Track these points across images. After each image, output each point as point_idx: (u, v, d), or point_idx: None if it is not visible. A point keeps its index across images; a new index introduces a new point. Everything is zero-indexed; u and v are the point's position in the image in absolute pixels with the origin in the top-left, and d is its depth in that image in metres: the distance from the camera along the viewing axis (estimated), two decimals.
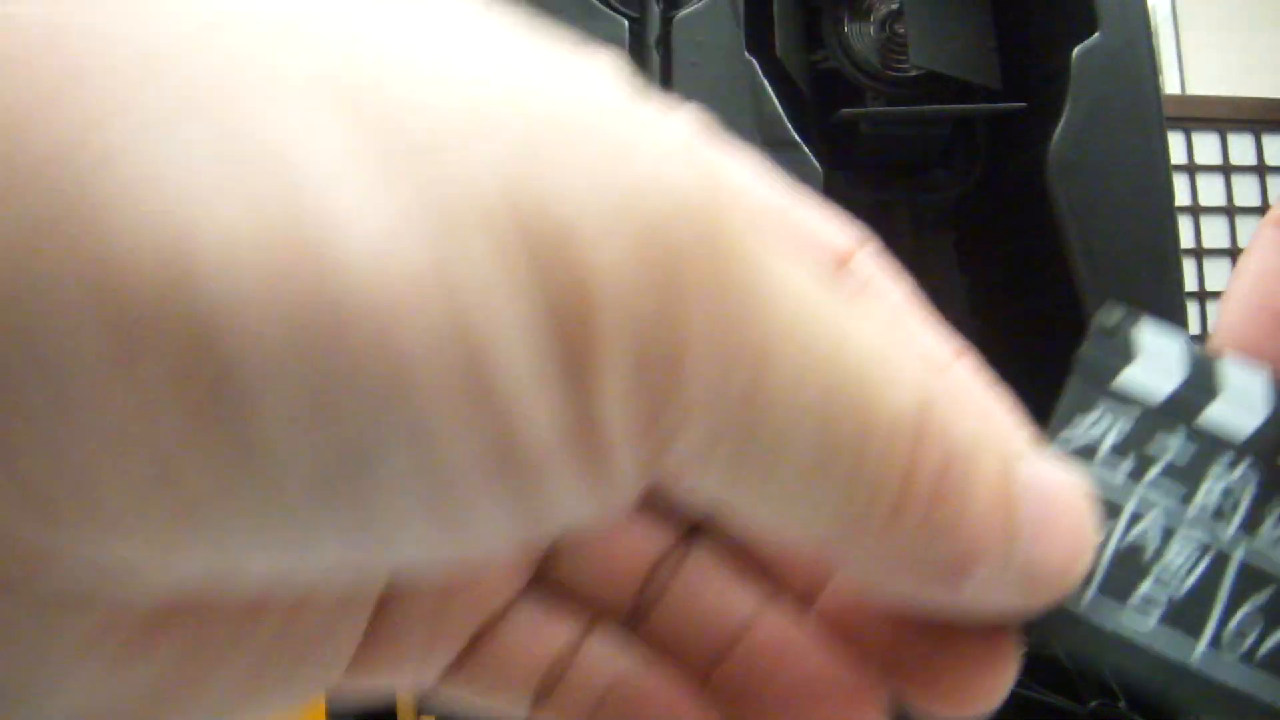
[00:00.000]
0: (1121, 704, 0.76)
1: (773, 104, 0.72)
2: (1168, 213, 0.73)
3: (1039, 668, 0.83)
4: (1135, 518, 0.17)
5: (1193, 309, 2.05)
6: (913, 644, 0.17)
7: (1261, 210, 2.05)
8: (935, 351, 0.18)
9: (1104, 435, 0.18)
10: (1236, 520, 0.17)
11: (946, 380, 0.15)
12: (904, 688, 0.17)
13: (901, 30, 0.73)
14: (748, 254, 0.10)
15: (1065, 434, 0.18)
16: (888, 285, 0.19)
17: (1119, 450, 0.18)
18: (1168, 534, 0.17)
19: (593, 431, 0.10)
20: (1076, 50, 0.69)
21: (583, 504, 0.11)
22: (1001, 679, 0.16)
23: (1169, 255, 0.72)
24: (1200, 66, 2.05)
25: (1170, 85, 2.04)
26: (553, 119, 0.10)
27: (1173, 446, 0.18)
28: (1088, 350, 0.19)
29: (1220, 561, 0.17)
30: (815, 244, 0.18)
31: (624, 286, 0.09)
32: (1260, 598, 0.17)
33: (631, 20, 0.77)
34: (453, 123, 0.09)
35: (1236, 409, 0.18)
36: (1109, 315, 0.19)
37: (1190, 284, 2.02)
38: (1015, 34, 0.76)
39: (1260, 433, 0.18)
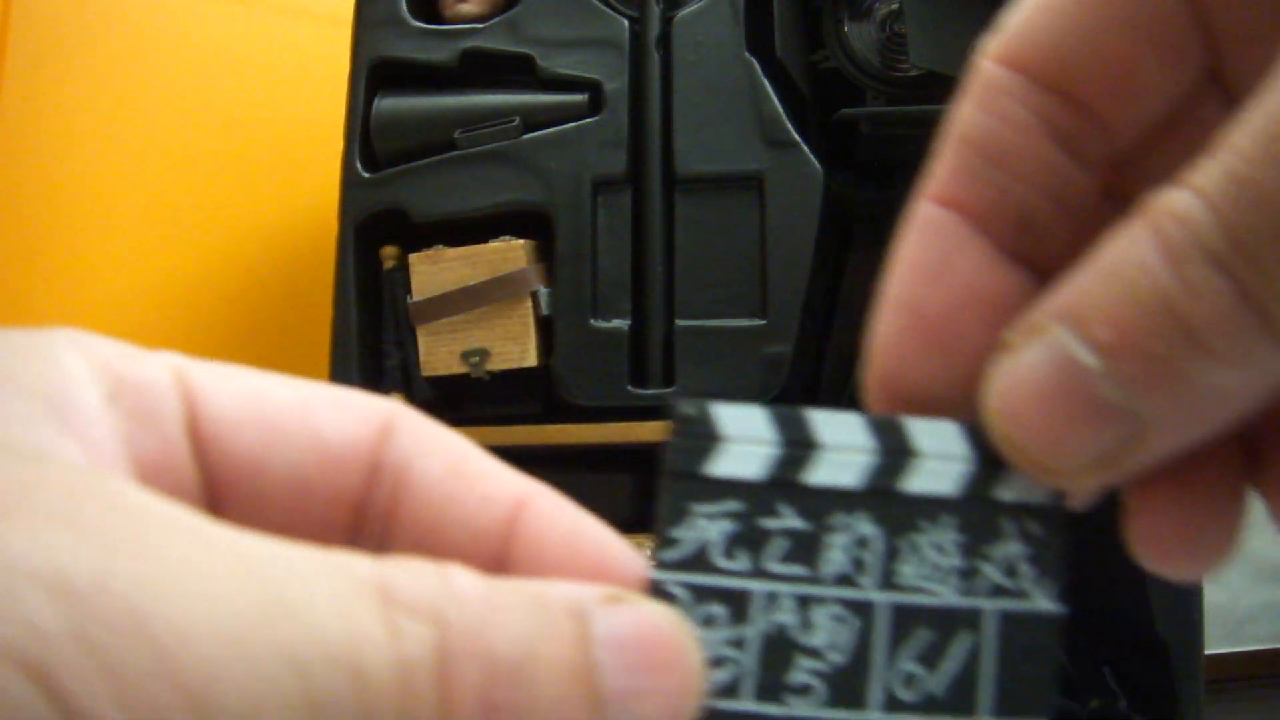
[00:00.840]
0: (1121, 704, 0.76)
1: (773, 104, 0.72)
2: None
3: None
4: (770, 604, 0.17)
5: None
6: None
7: None
8: (491, 513, 0.18)
9: (714, 530, 0.17)
10: (874, 571, 0.17)
11: (475, 600, 0.14)
12: None
13: (901, 30, 0.73)
14: None
15: (672, 543, 0.17)
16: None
17: (733, 539, 0.17)
18: (805, 608, 0.17)
19: None
20: None
21: None
22: None
23: None
24: None
25: None
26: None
27: (786, 518, 0.17)
28: (673, 447, 0.17)
29: (868, 618, 0.17)
30: None
31: None
32: (919, 639, 0.17)
33: (631, 20, 0.77)
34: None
35: (838, 461, 0.17)
36: (685, 407, 0.17)
37: None
38: None
39: (872, 475, 0.17)
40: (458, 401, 0.76)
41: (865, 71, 0.74)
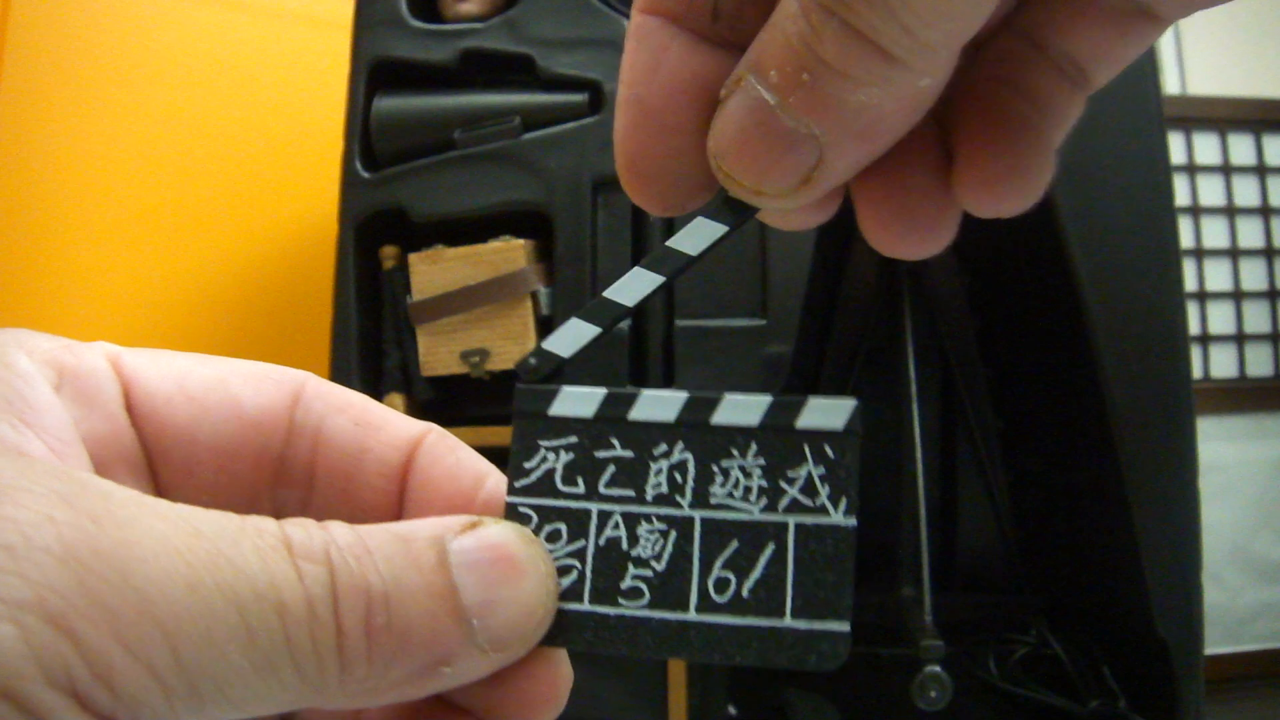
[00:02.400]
0: (1121, 704, 0.76)
1: None
2: (1168, 213, 0.73)
3: (1039, 668, 0.83)
4: (602, 521, 0.20)
5: (1193, 309, 2.06)
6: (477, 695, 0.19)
7: (1262, 210, 2.06)
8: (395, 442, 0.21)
9: (557, 460, 0.20)
10: (688, 492, 0.20)
11: (352, 544, 0.17)
12: None
13: None
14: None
15: (523, 475, 0.20)
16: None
17: (572, 467, 0.20)
18: (632, 525, 0.20)
19: None
20: None
21: None
22: (558, 689, 0.20)
23: (1169, 255, 0.72)
24: (1200, 66, 2.05)
25: (1170, 85, 2.04)
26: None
27: (616, 448, 0.20)
28: (521, 391, 0.20)
29: (685, 532, 0.19)
30: None
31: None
32: (728, 549, 0.19)
33: None
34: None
35: (657, 400, 0.20)
36: (528, 357, 0.21)
37: (1190, 284, 2.02)
38: None
39: (685, 409, 0.20)
40: (458, 401, 0.76)
41: None
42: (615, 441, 0.20)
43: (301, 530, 0.17)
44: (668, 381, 0.71)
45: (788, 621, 0.19)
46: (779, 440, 0.20)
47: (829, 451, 0.19)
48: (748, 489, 0.19)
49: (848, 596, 0.19)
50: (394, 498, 0.21)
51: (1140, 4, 0.19)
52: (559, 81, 0.76)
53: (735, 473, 0.20)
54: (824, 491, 0.19)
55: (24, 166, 0.99)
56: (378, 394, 0.76)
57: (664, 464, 0.20)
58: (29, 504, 0.15)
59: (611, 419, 0.20)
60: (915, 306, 0.80)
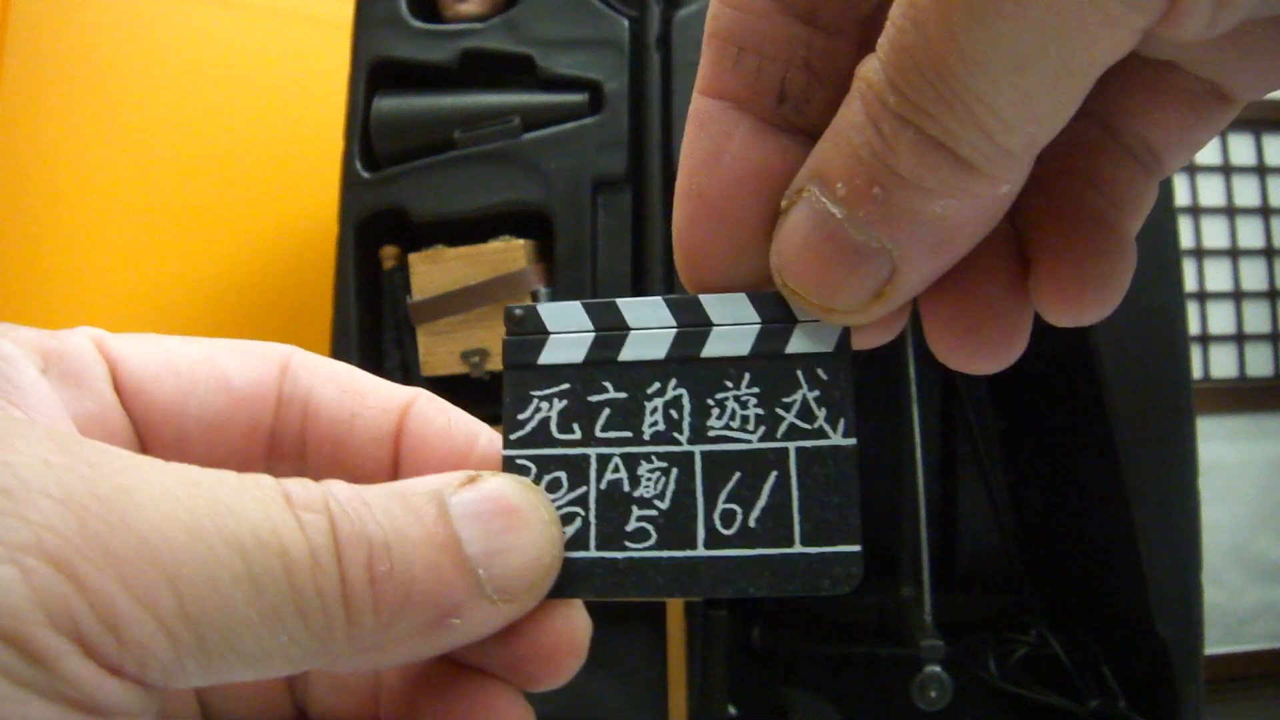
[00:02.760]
0: (1121, 704, 0.76)
1: None
2: (1168, 213, 0.73)
3: (1039, 668, 0.83)
4: (602, 465, 0.20)
5: (1193, 309, 2.06)
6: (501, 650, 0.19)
7: (1262, 210, 2.06)
8: (386, 408, 0.21)
9: (551, 409, 0.20)
10: (686, 428, 0.19)
11: (350, 499, 0.17)
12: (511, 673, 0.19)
13: None
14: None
15: (518, 426, 0.20)
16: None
17: (566, 415, 0.20)
18: (633, 466, 0.19)
19: None
20: None
21: None
22: (576, 640, 0.19)
23: (1169, 255, 0.72)
24: None
25: None
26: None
27: (609, 390, 0.20)
28: (508, 343, 0.20)
29: (686, 468, 0.19)
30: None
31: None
32: (731, 481, 0.19)
33: (631, 20, 0.77)
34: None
35: (646, 338, 0.20)
36: (515, 310, 0.21)
37: (1190, 284, 2.02)
38: None
39: (674, 345, 0.20)
40: (458, 401, 0.76)
41: None
42: (608, 385, 0.20)
43: (299, 484, 0.17)
44: None
45: (798, 548, 0.19)
46: (771, 367, 0.19)
47: (821, 374, 0.19)
48: (745, 419, 0.19)
49: (855, 517, 0.19)
50: (388, 464, 0.21)
51: (1215, 86, 0.18)
52: (559, 81, 0.75)
53: (731, 404, 0.19)
54: (820, 414, 0.19)
55: (24, 166, 0.99)
56: None
57: (658, 401, 0.20)
58: (24, 449, 0.14)
59: (602, 362, 0.20)
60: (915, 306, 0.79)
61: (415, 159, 0.77)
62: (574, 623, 0.19)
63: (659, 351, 0.20)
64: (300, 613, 0.16)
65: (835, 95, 0.17)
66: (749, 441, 0.19)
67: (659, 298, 0.20)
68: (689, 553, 0.19)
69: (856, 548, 0.18)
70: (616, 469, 0.20)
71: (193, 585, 0.15)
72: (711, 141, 0.19)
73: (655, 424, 0.20)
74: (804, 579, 0.18)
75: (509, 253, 0.73)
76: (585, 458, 0.20)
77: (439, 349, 0.75)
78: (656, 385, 0.20)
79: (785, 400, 0.19)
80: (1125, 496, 0.69)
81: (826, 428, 0.19)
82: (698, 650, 0.71)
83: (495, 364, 0.74)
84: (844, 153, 0.17)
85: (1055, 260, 0.19)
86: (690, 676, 0.70)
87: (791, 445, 0.19)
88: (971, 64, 0.14)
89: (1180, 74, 0.18)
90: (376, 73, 0.79)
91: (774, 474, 0.19)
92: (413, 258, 0.76)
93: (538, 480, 0.20)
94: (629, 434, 0.20)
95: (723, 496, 0.19)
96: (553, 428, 0.20)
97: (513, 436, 0.20)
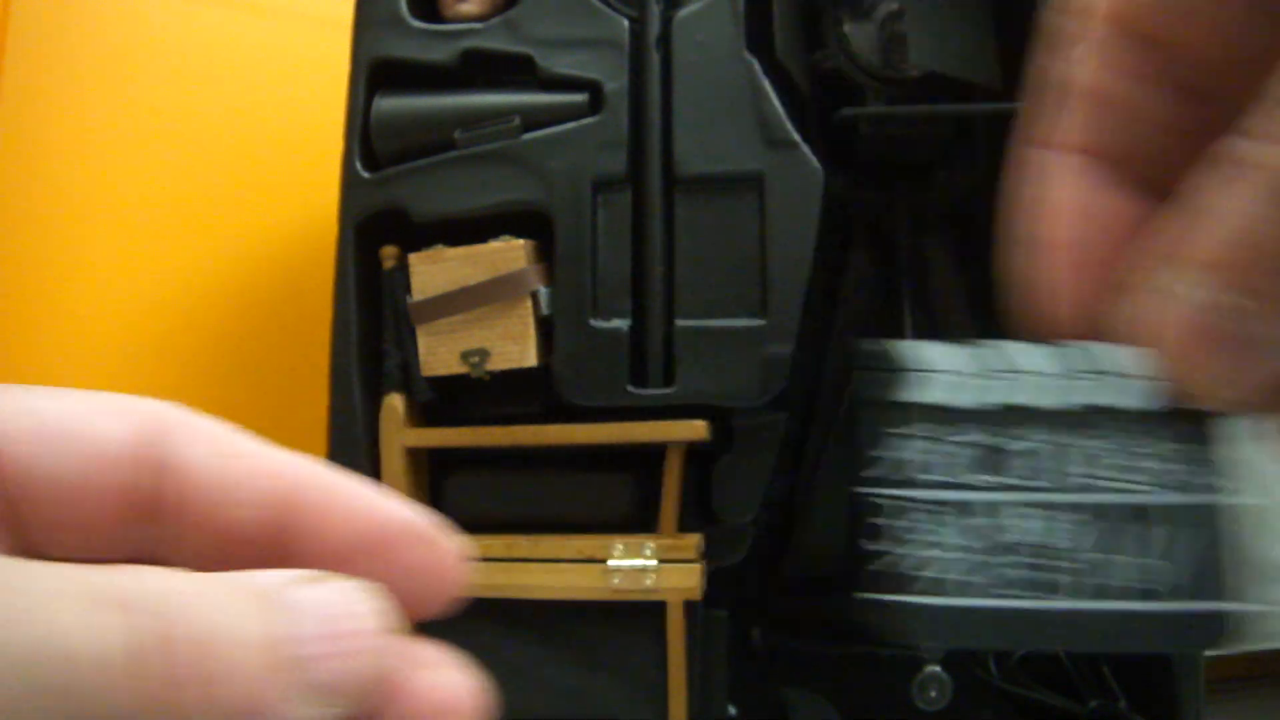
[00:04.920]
0: (1121, 704, 0.76)
1: (773, 104, 0.72)
2: None
3: (1039, 668, 0.83)
4: (962, 509, 0.19)
5: None
6: None
7: None
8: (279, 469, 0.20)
9: (911, 450, 0.19)
10: (1045, 477, 0.19)
11: (188, 592, 0.16)
12: None
13: (902, 30, 0.73)
14: None
15: (878, 462, 0.19)
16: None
17: (929, 455, 0.19)
18: (995, 513, 0.19)
19: None
20: None
21: None
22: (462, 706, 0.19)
23: None
24: None
25: None
26: None
27: (972, 435, 0.19)
28: (861, 379, 0.19)
29: (1050, 517, 0.18)
30: None
31: None
32: (1090, 532, 0.18)
33: (631, 20, 0.77)
34: None
35: (1031, 385, 0.19)
36: (870, 343, 0.20)
37: None
38: (1015, 34, 0.76)
39: (1061, 394, 0.19)
40: (458, 401, 0.76)
41: (865, 71, 0.74)
42: (974, 426, 0.19)
43: (135, 578, 0.16)
44: (667, 382, 0.71)
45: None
46: (1179, 424, 0.18)
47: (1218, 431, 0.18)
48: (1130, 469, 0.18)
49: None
50: (274, 531, 0.20)
51: None
52: (559, 81, 0.75)
53: (1097, 452, 0.19)
54: (1226, 473, 0.19)
55: (23, 166, 0.99)
56: (378, 394, 0.76)
57: (1022, 445, 0.19)
58: None
59: (965, 409, 0.19)
60: (915, 306, 0.80)
61: (415, 159, 0.77)
62: (453, 684, 0.19)
63: (1027, 398, 0.19)
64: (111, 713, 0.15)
65: (1189, 156, 0.17)
66: (1133, 494, 0.19)
67: (1041, 345, 0.19)
68: (1048, 604, 0.18)
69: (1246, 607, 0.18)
70: (979, 515, 0.19)
71: None
72: (1086, 196, 0.18)
73: (1019, 471, 0.19)
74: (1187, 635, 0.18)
75: (509, 253, 0.73)
76: (943, 497, 0.19)
77: (439, 349, 0.75)
78: (1021, 431, 0.19)
79: (1200, 456, 0.18)
80: None
81: (1224, 485, 0.19)
82: (698, 650, 0.71)
83: (495, 364, 0.73)
84: (1222, 238, 0.16)
85: None
86: (690, 676, 0.70)
87: (1217, 500, 0.18)
88: None
89: None
90: (376, 73, 0.79)
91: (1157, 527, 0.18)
92: (413, 258, 0.76)
93: (890, 518, 0.19)
94: (991, 479, 0.19)
95: (1085, 549, 0.18)
96: (915, 464, 0.19)
97: (866, 474, 0.19)
